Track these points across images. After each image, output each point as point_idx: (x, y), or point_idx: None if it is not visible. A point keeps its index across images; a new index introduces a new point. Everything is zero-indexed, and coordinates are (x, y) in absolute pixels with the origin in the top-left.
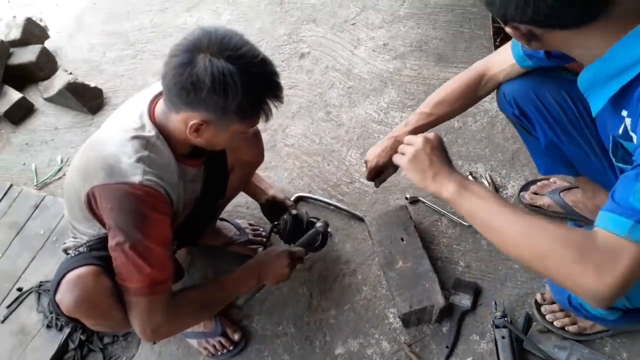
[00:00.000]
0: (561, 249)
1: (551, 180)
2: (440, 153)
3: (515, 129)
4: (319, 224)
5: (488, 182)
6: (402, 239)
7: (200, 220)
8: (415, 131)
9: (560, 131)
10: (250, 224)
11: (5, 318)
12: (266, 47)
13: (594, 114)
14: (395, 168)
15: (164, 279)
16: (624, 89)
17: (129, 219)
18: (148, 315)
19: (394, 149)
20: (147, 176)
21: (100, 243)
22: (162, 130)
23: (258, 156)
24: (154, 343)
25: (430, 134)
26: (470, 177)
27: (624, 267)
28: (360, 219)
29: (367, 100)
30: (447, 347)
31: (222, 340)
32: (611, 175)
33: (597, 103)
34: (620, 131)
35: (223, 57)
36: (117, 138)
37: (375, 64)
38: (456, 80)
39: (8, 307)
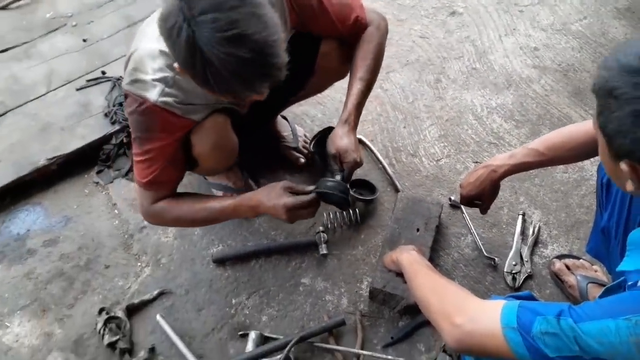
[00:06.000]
0: (439, 304)
1: (594, 267)
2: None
3: (593, 201)
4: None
5: (533, 231)
6: (418, 230)
7: (267, 110)
8: (518, 168)
9: (622, 229)
10: (305, 135)
11: (81, 88)
12: None
13: (618, 268)
14: (491, 198)
15: (160, 182)
16: None
17: (139, 130)
18: (140, 202)
19: (489, 180)
20: (164, 98)
21: None
22: None
23: (342, 74)
24: None
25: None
26: (520, 217)
27: (474, 331)
28: (397, 190)
29: (481, 91)
30: (392, 338)
31: None
32: None
33: (629, 263)
34: (630, 283)
35: (191, 14)
36: (153, 46)
37: (513, 62)
38: (584, 127)
39: (88, 81)
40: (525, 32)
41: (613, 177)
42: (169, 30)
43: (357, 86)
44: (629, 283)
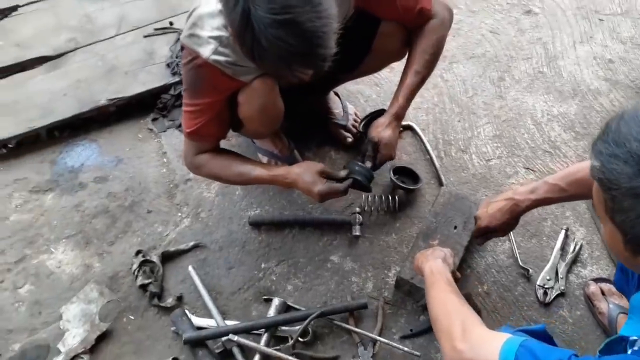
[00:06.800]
0: (446, 323)
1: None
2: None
3: None
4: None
5: (574, 248)
6: (455, 227)
7: (318, 83)
8: (540, 203)
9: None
10: (356, 114)
11: (149, 36)
12: None
13: (619, 332)
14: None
15: (202, 134)
16: None
17: (190, 83)
18: (184, 151)
19: (511, 212)
20: (216, 56)
21: None
22: None
23: (399, 56)
24: None
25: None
26: (563, 232)
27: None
28: (440, 184)
29: (545, 96)
30: (411, 330)
31: None
32: None
33: (631, 328)
34: (632, 339)
35: None
36: (215, 4)
37: (583, 71)
38: None
39: (156, 29)
40: (602, 42)
41: (626, 263)
42: (226, 0)
43: (413, 79)
44: (631, 339)
